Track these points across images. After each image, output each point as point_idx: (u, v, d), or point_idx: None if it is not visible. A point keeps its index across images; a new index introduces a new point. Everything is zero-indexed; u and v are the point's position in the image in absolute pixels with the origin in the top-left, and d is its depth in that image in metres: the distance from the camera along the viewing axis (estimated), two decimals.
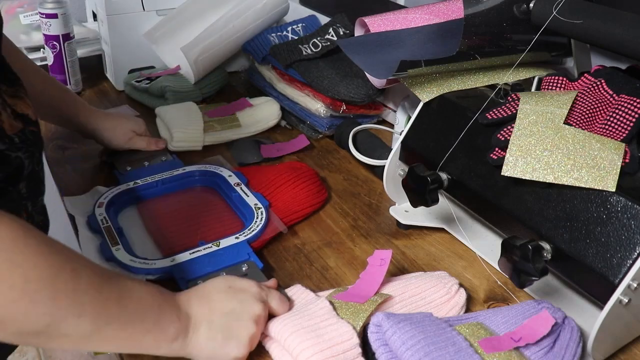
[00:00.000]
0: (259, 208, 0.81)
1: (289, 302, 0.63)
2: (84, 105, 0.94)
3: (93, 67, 1.32)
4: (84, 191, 0.87)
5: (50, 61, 1.19)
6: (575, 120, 0.67)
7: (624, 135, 0.64)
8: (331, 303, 0.62)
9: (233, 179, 0.87)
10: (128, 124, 0.96)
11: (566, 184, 0.61)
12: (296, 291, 0.66)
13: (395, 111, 1.10)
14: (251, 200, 0.82)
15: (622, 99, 0.66)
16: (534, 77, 0.80)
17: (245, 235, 0.76)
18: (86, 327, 0.47)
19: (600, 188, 0.59)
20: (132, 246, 0.75)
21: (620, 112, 0.65)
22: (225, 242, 0.74)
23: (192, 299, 0.57)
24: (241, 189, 0.85)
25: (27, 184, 0.62)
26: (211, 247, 0.73)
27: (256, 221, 0.78)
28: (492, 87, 0.78)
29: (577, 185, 0.60)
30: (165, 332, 0.53)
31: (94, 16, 1.34)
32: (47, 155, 1.00)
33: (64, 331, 0.46)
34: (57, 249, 0.46)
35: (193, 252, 0.72)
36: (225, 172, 0.89)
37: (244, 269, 0.71)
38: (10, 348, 0.71)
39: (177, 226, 0.81)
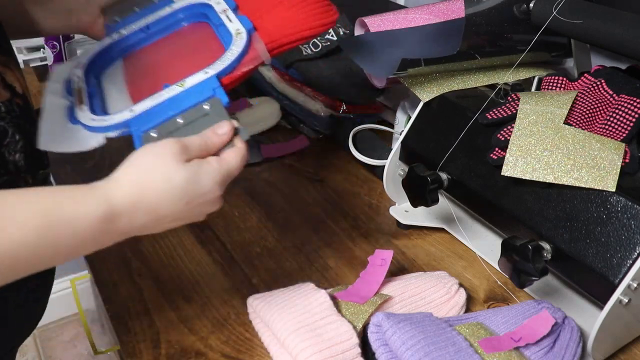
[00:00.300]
0: (239, 33, 0.65)
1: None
2: None
3: None
4: None
5: (50, 61, 1.19)
6: (575, 120, 0.67)
7: (624, 135, 0.64)
8: (331, 298, 0.62)
9: (220, 6, 0.72)
10: None
11: (566, 184, 0.61)
12: (298, 286, 0.66)
13: (395, 111, 1.10)
14: (234, 25, 0.67)
15: (622, 99, 0.66)
16: (534, 77, 0.80)
17: (215, 69, 0.62)
18: None
19: (600, 188, 0.59)
20: (108, 105, 0.67)
21: (620, 112, 0.65)
22: (192, 81, 0.61)
23: (137, 213, 0.48)
24: (226, 15, 0.70)
25: (24, 156, 0.61)
26: (174, 88, 0.61)
27: (231, 49, 0.64)
28: (492, 87, 0.78)
29: (577, 185, 0.60)
30: (87, 249, 0.47)
31: None
32: (47, 155, 1.00)
33: None
34: None
35: (154, 99, 0.61)
36: (213, 0, 0.73)
37: (205, 107, 0.59)
38: (14, 341, 0.71)
39: (151, 74, 0.70)
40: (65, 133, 0.63)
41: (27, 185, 0.62)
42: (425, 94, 0.78)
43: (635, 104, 0.65)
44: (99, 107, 0.66)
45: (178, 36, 0.76)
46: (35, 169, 0.64)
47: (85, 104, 0.64)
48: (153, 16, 0.76)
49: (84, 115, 0.63)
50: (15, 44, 0.85)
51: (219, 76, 0.62)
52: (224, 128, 0.54)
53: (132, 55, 0.76)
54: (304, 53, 1.11)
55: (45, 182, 0.68)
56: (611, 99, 0.68)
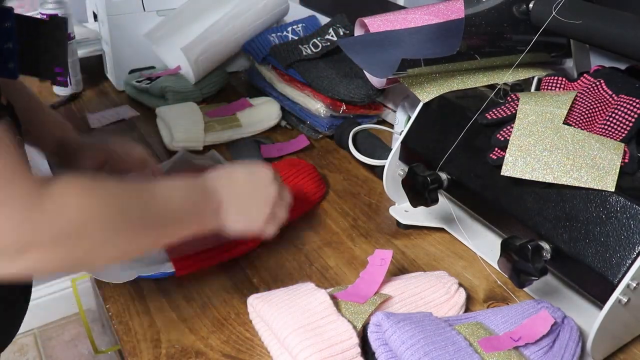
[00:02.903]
0: None
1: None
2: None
3: (93, 68, 1.32)
4: None
5: None
6: (574, 121, 0.67)
7: (623, 135, 0.64)
8: (331, 297, 0.62)
9: None
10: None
11: (566, 184, 0.61)
12: (298, 285, 0.66)
13: (395, 111, 1.10)
14: None
15: (622, 99, 0.66)
16: (533, 77, 0.80)
17: None
18: (146, 242, 0.57)
19: (600, 188, 0.60)
20: None
21: (619, 112, 0.65)
22: None
23: (222, 181, 0.65)
24: None
25: None
26: None
27: None
28: (492, 87, 0.78)
29: (577, 185, 0.61)
30: (206, 221, 0.62)
31: (95, 16, 1.35)
32: (48, 155, 1.01)
33: (132, 250, 0.56)
34: (106, 194, 0.53)
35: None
36: None
37: None
38: (5, 340, 0.72)
39: None
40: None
41: None
42: (425, 94, 0.78)
43: (634, 104, 0.65)
44: None
45: None
46: None
47: None
48: None
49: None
50: None
51: None
52: None
53: None
54: (304, 53, 1.11)
55: None
56: (610, 99, 0.68)
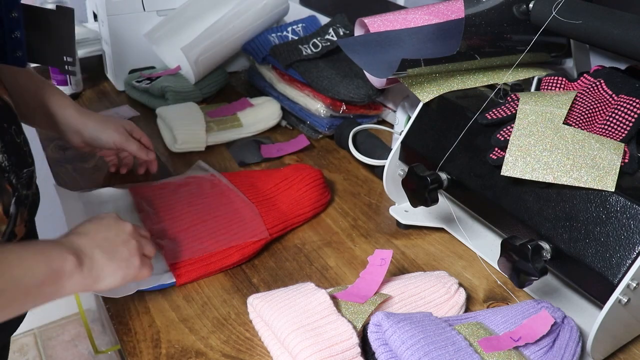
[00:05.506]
0: None
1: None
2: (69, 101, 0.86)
3: (93, 68, 1.32)
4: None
5: None
6: (574, 121, 0.67)
7: (623, 135, 0.64)
8: (331, 297, 0.62)
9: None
10: (120, 122, 0.90)
11: (565, 183, 0.61)
12: (298, 285, 0.66)
13: (395, 111, 1.10)
14: None
15: (622, 99, 0.66)
16: (533, 77, 0.80)
17: None
18: None
19: (600, 188, 0.60)
20: None
21: (619, 112, 0.65)
22: None
23: (73, 239, 0.60)
24: None
25: (7, 156, 0.62)
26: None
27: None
28: (492, 87, 0.78)
29: (577, 185, 0.61)
30: (64, 285, 0.57)
31: (95, 16, 1.35)
32: (48, 155, 1.01)
33: None
34: None
35: None
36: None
37: None
38: (12, 327, 0.72)
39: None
40: None
41: (10, 185, 0.63)
42: (425, 94, 0.78)
43: (634, 104, 0.65)
44: None
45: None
46: (18, 168, 0.65)
47: None
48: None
49: None
50: None
51: None
52: None
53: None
54: (304, 53, 1.11)
55: (30, 180, 0.69)
56: (610, 99, 0.68)
